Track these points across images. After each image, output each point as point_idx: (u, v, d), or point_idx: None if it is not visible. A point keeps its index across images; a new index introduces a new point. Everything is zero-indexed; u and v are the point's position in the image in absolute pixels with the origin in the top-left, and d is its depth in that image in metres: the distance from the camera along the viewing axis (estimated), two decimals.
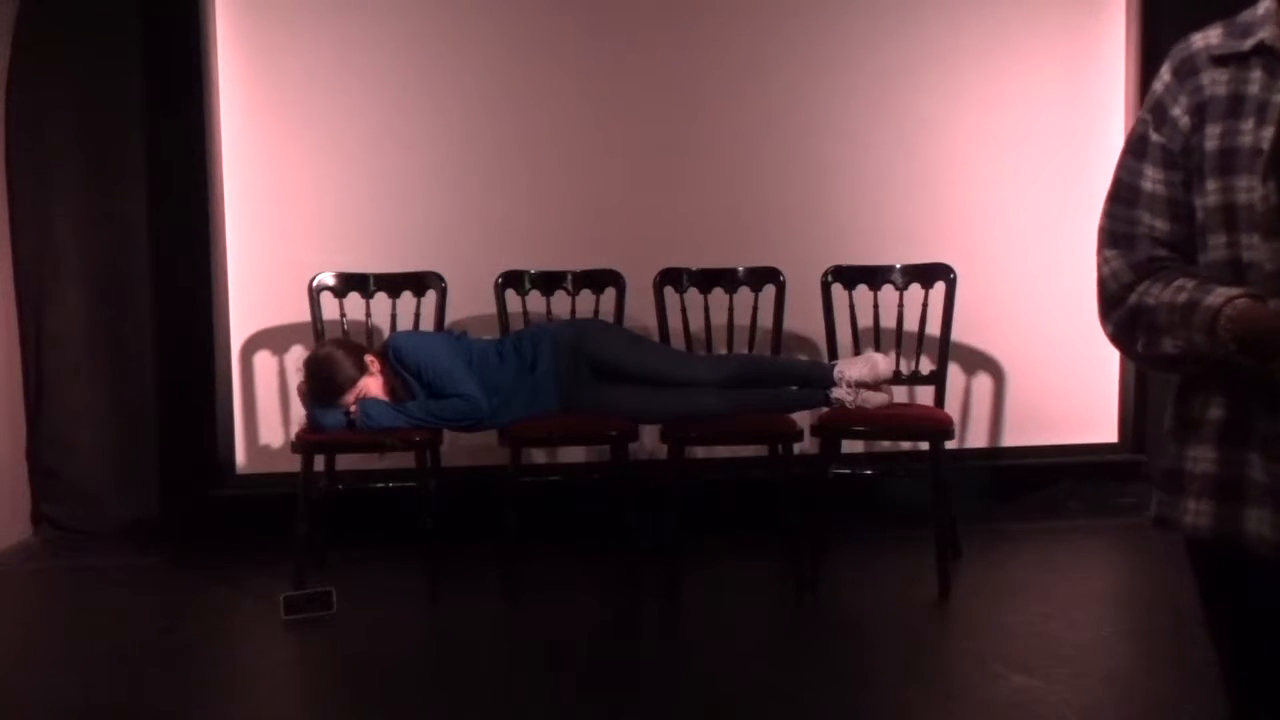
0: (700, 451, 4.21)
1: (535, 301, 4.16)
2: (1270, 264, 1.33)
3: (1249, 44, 1.39)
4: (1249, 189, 1.35)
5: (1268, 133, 1.34)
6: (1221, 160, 1.39)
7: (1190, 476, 1.50)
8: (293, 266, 4.18)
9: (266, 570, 3.81)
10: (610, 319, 4.14)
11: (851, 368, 3.94)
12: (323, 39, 4.31)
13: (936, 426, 3.75)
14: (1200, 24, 5.22)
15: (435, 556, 3.69)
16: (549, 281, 4.17)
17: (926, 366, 4.10)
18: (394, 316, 4.10)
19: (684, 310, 4.15)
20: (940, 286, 4.05)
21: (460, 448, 4.12)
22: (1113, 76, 4.61)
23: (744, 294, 4.14)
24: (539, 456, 4.42)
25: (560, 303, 4.15)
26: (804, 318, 4.24)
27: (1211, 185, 1.40)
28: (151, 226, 4.36)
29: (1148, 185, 1.51)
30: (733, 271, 4.16)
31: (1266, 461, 1.38)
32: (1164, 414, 1.52)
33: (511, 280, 4.15)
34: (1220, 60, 1.41)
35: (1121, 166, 1.56)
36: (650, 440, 4.10)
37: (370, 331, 4.09)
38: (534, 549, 3.79)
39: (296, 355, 4.28)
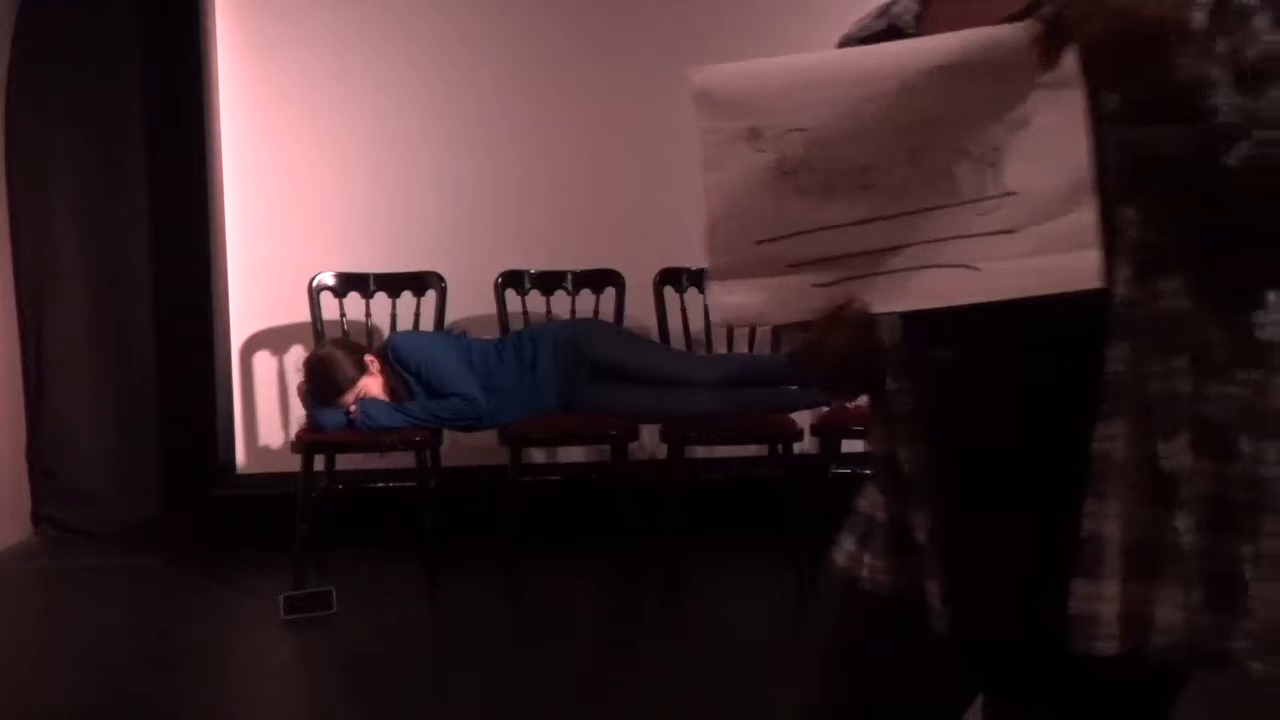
0: (700, 451, 4.21)
1: (535, 301, 4.16)
2: None
3: (883, 24, 1.36)
4: None
5: None
6: None
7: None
8: (293, 266, 4.18)
9: (266, 570, 3.81)
10: (610, 319, 4.14)
11: None
12: (323, 39, 4.31)
13: None
14: None
15: (435, 556, 3.69)
16: (549, 281, 4.17)
17: None
18: (394, 316, 4.10)
19: (684, 310, 4.14)
20: None
21: (460, 448, 4.12)
22: None
23: None
24: (539, 456, 4.42)
25: (560, 303, 4.15)
26: None
27: None
28: (151, 226, 4.36)
29: None
30: None
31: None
32: None
33: (511, 280, 4.15)
34: (864, 43, 1.39)
35: None
36: (650, 440, 4.10)
37: (370, 331, 4.09)
38: (534, 549, 3.79)
39: (296, 355, 4.28)
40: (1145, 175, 1.17)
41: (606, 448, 3.89)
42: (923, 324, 1.27)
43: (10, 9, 4.26)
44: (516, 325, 4.12)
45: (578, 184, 4.41)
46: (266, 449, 4.40)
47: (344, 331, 4.07)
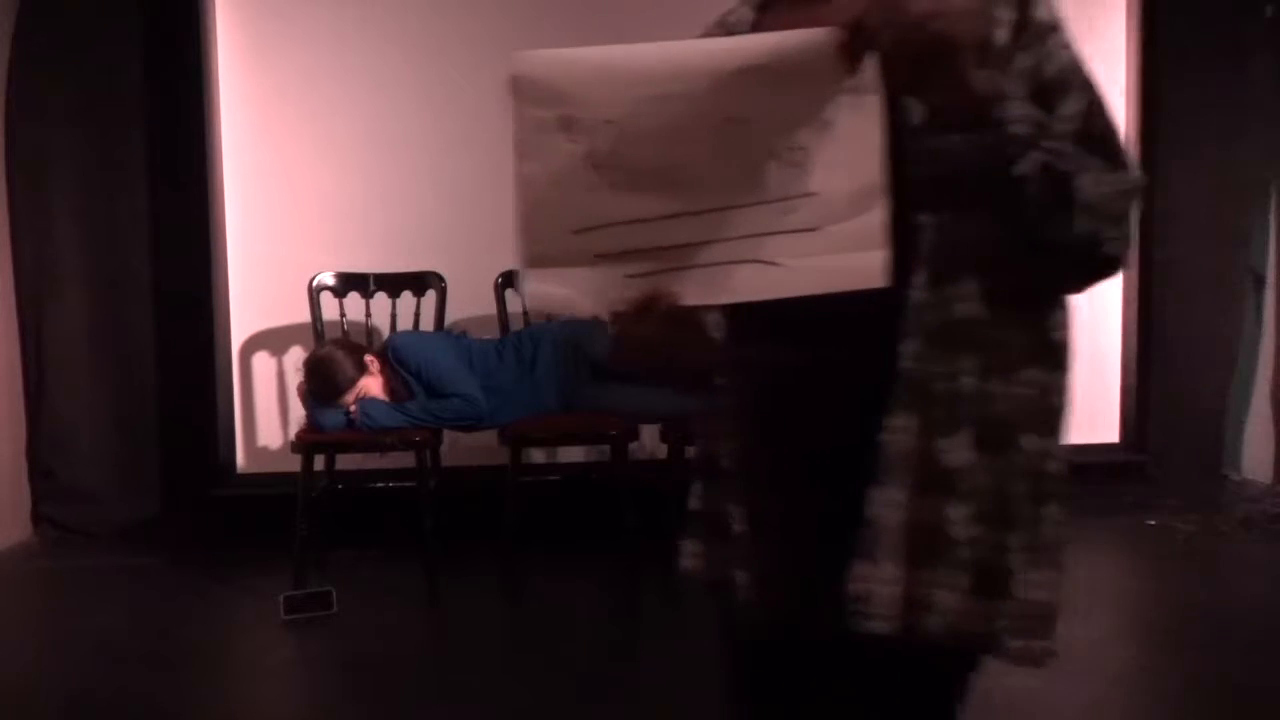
0: None
1: None
2: None
3: (720, 34, 1.42)
4: None
5: None
6: None
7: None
8: (293, 266, 4.18)
9: (266, 570, 3.81)
10: None
11: None
12: (323, 39, 4.31)
13: None
14: (1199, 23, 5.24)
15: (435, 556, 3.69)
16: None
17: None
18: (394, 316, 4.10)
19: None
20: None
21: (460, 448, 4.12)
22: (1113, 76, 4.61)
23: None
24: (539, 456, 4.41)
25: None
26: None
27: None
28: (151, 226, 4.36)
29: None
30: None
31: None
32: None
33: (511, 280, 4.15)
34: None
35: None
36: (650, 440, 4.10)
37: (370, 331, 4.09)
38: (534, 549, 3.79)
39: (296, 355, 4.28)
40: (943, 182, 1.20)
41: (606, 448, 3.88)
42: (743, 321, 1.32)
43: (10, 9, 4.26)
44: (516, 325, 4.11)
45: None
46: (266, 449, 4.40)
47: (344, 331, 4.06)
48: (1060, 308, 1.32)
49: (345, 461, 4.03)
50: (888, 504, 1.25)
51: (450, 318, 4.18)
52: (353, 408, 3.71)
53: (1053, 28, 1.26)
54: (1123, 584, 4.09)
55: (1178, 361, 4.67)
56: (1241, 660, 3.11)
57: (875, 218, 1.16)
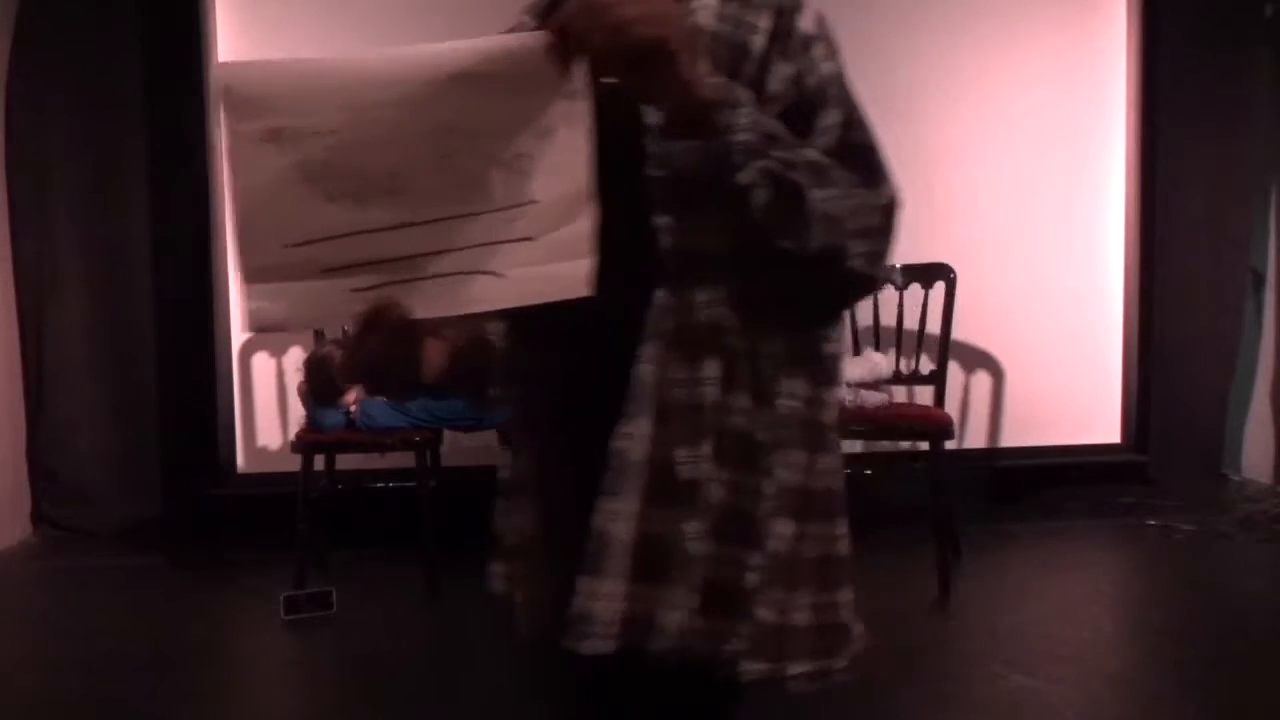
0: None
1: None
2: None
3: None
4: None
5: None
6: None
7: None
8: None
9: (266, 570, 3.81)
10: None
11: (851, 367, 3.94)
12: (323, 39, 4.31)
13: (936, 426, 3.75)
14: (1199, 22, 5.24)
15: (435, 556, 3.69)
16: None
17: (926, 366, 4.10)
18: None
19: None
20: (940, 286, 4.05)
21: (460, 448, 4.12)
22: (1113, 75, 4.61)
23: None
24: None
25: None
26: None
27: None
28: (152, 226, 4.36)
29: None
30: None
31: None
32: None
33: None
34: None
35: None
36: None
37: None
38: None
39: (296, 355, 4.28)
40: (679, 186, 1.19)
41: None
42: (521, 329, 1.30)
43: (10, 8, 4.26)
44: None
45: None
46: (266, 449, 4.40)
47: (344, 332, 4.06)
48: (833, 320, 1.29)
49: (345, 461, 4.03)
50: (616, 516, 1.20)
51: None
52: (353, 408, 3.71)
53: (816, 39, 1.24)
54: (1123, 584, 4.09)
55: (1178, 362, 4.68)
56: (1241, 660, 3.11)
57: (583, 226, 1.14)
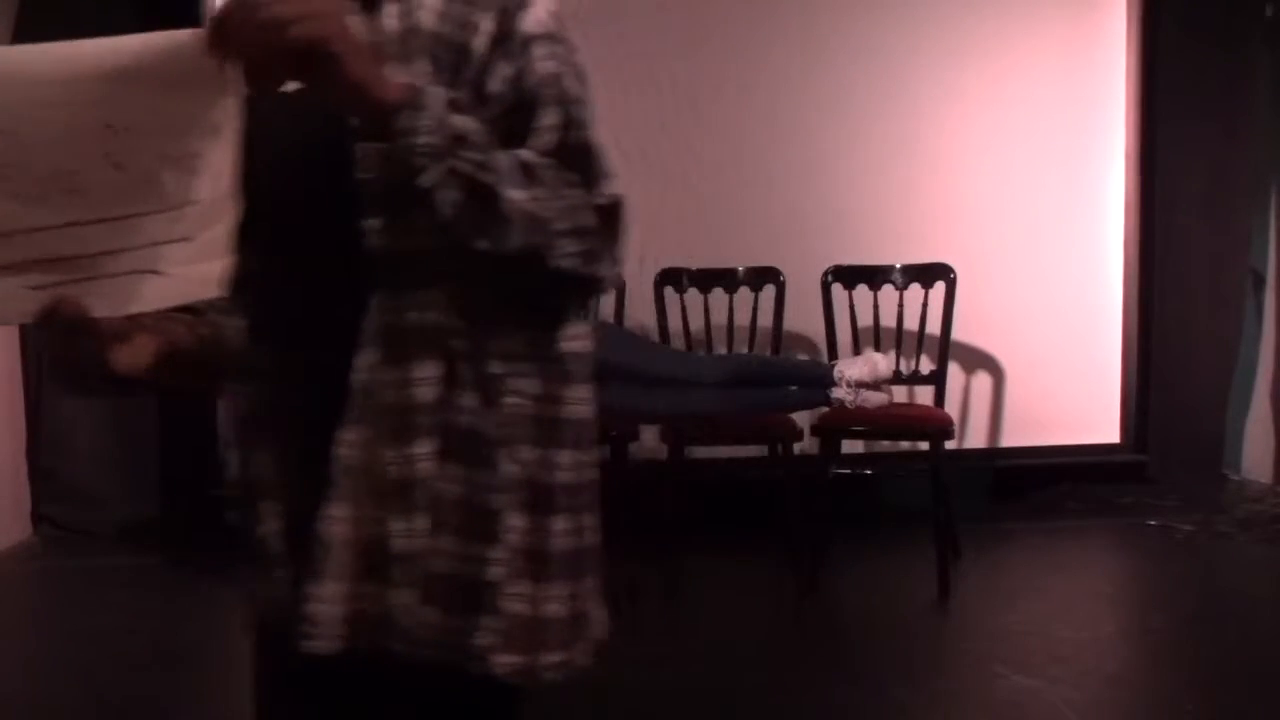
0: (700, 451, 4.21)
1: None
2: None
3: None
4: None
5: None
6: None
7: None
8: None
9: None
10: (611, 319, 4.13)
11: (851, 367, 3.94)
12: None
13: (936, 426, 3.75)
14: (1199, 22, 5.24)
15: None
16: None
17: (926, 366, 4.10)
18: None
19: (684, 310, 4.14)
20: (940, 286, 4.05)
21: None
22: (1113, 76, 4.61)
23: (744, 294, 4.14)
24: None
25: None
26: (804, 318, 4.24)
27: None
28: None
29: None
30: (733, 271, 4.16)
31: None
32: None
33: None
34: None
35: None
36: (650, 440, 4.10)
37: None
38: None
39: None
40: (379, 188, 1.19)
41: (606, 448, 3.88)
42: (255, 324, 1.29)
43: (10, 9, 4.26)
44: None
45: None
46: None
47: None
48: (570, 319, 1.30)
49: None
50: (335, 519, 1.22)
51: None
52: None
53: (538, 39, 1.25)
54: (1122, 584, 4.09)
55: (1178, 361, 4.68)
56: (1241, 660, 3.12)
57: (224, 226, 1.14)
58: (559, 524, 1.31)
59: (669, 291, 4.15)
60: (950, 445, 3.78)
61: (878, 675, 3.09)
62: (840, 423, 3.85)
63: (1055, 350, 4.60)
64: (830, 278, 4.12)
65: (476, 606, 1.24)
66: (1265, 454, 4.80)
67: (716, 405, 3.85)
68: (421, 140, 1.12)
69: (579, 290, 1.29)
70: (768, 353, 4.13)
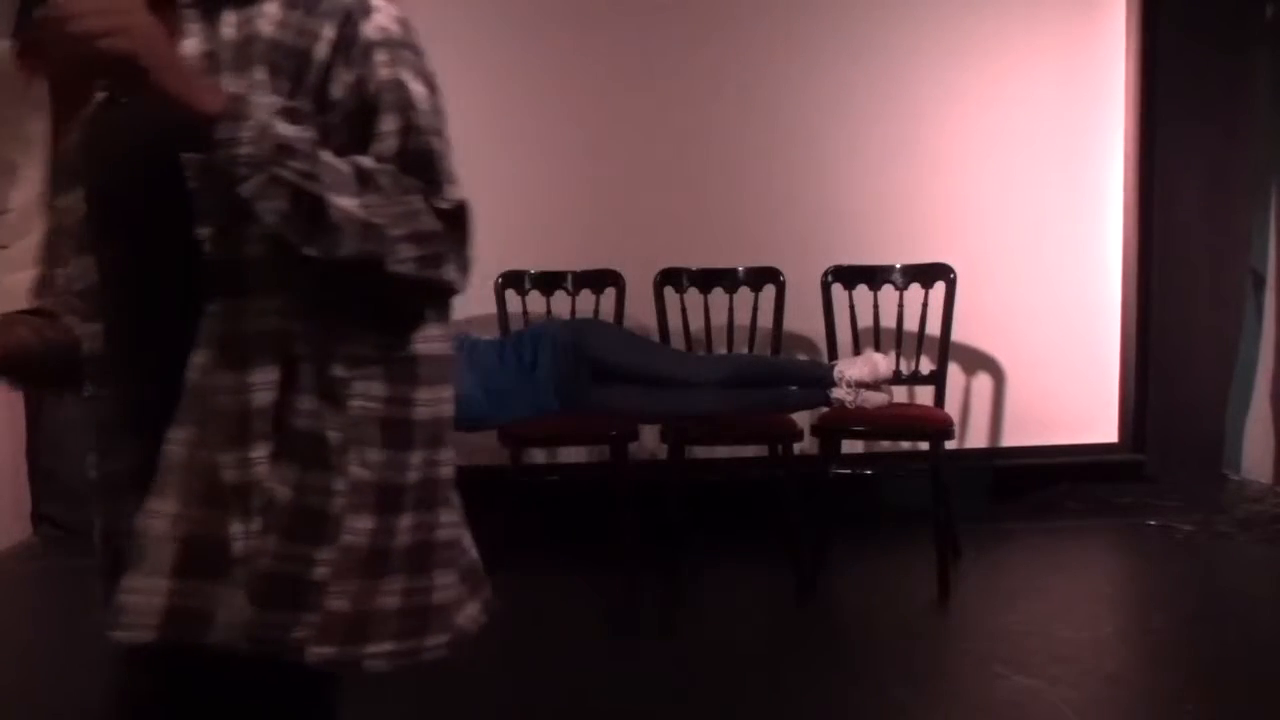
0: (700, 451, 4.21)
1: (535, 301, 4.16)
2: (80, 281, 1.31)
3: None
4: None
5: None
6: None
7: None
8: None
9: None
10: (610, 319, 4.14)
11: (851, 368, 3.94)
12: None
13: (936, 426, 3.75)
14: (1199, 22, 5.24)
15: None
16: (549, 281, 4.17)
17: (926, 366, 4.10)
18: None
19: (684, 310, 4.15)
20: (940, 286, 4.05)
21: (460, 448, 4.10)
22: (1113, 76, 4.62)
23: (744, 294, 4.14)
24: (539, 456, 4.41)
25: (560, 303, 4.15)
26: (804, 318, 4.24)
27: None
28: None
29: None
30: (733, 271, 4.16)
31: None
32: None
33: (511, 280, 4.15)
34: None
35: None
36: (650, 440, 4.10)
37: None
38: (533, 549, 3.79)
39: None
40: (212, 199, 1.20)
41: (606, 448, 3.89)
42: (111, 328, 1.30)
43: (10, 8, 4.25)
44: (516, 325, 4.11)
45: (577, 184, 4.41)
46: None
47: None
48: (423, 322, 1.32)
49: None
50: (157, 515, 1.24)
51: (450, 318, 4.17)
52: None
53: (380, 45, 1.26)
54: (1122, 584, 4.09)
55: (1177, 361, 4.68)
56: (1241, 660, 3.12)
57: (34, 236, 1.15)
58: (405, 521, 1.33)
59: (669, 291, 4.15)
60: (950, 445, 3.78)
61: (878, 675, 3.09)
62: (840, 423, 3.85)
63: (1055, 350, 4.60)
64: (830, 278, 4.12)
65: (299, 603, 1.26)
66: (1265, 454, 4.80)
67: (716, 405, 3.85)
68: (243, 150, 1.13)
69: (430, 294, 1.31)
70: (768, 353, 4.13)
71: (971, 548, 3.99)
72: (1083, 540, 4.33)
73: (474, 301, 4.21)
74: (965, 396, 4.59)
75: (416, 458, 1.34)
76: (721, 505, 4.22)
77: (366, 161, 1.21)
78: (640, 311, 4.23)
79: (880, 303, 4.07)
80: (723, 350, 4.15)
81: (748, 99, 4.45)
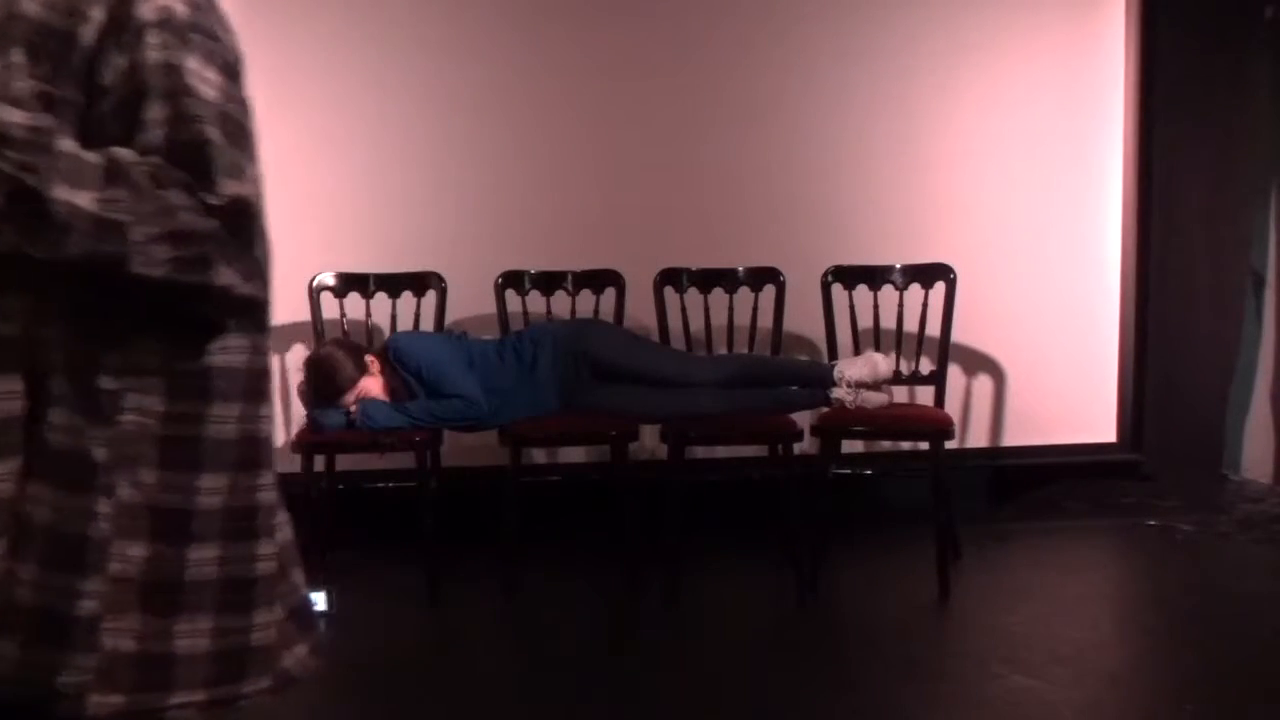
0: (700, 451, 4.21)
1: (535, 301, 4.16)
2: None
3: None
4: None
5: None
6: None
7: None
8: (293, 266, 4.16)
9: None
10: (610, 319, 4.13)
11: (851, 368, 3.94)
12: (323, 39, 4.31)
13: (936, 426, 3.75)
14: (1199, 23, 5.25)
15: (435, 556, 3.69)
16: (549, 281, 4.17)
17: (926, 366, 4.10)
18: (394, 316, 4.10)
19: (684, 310, 4.14)
20: (940, 286, 4.05)
21: (460, 448, 4.12)
22: (1113, 76, 4.62)
23: (744, 294, 4.14)
24: (539, 456, 4.41)
25: (560, 303, 4.15)
26: (804, 318, 4.24)
27: None
28: None
29: None
30: (733, 271, 4.15)
31: None
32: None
33: (511, 280, 4.15)
34: None
35: None
36: (650, 440, 4.10)
37: (370, 331, 4.09)
38: (534, 549, 3.79)
39: (297, 355, 4.28)
40: None
41: (606, 448, 3.88)
42: None
43: None
44: (516, 325, 4.11)
45: (578, 184, 4.41)
46: None
47: (344, 331, 4.06)
48: (216, 332, 1.21)
49: (345, 461, 4.03)
50: None
51: (450, 318, 4.17)
52: (353, 408, 3.71)
53: (153, 26, 1.15)
54: (1122, 584, 4.09)
55: (1177, 361, 4.68)
56: (1240, 660, 3.12)
57: None
58: (199, 552, 1.19)
59: (669, 291, 4.15)
60: (950, 445, 3.78)
61: (878, 675, 3.09)
62: (840, 423, 3.85)
63: (1055, 350, 4.60)
64: (830, 278, 4.12)
65: (66, 642, 1.12)
66: (1265, 454, 4.80)
67: (716, 405, 3.85)
68: None
69: (205, 300, 1.19)
70: (768, 353, 4.13)
71: (971, 548, 3.99)
72: (1082, 540, 4.33)
73: (474, 301, 4.22)
74: (965, 396, 4.59)
75: (212, 481, 1.21)
76: (721, 505, 4.22)
77: (124, 154, 1.11)
78: (640, 311, 4.23)
79: (880, 303, 4.07)
80: (723, 350, 4.15)
81: (748, 99, 4.45)
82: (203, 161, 1.16)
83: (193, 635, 1.18)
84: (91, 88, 1.14)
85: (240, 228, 1.20)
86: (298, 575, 1.33)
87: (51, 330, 1.14)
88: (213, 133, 1.17)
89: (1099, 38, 4.59)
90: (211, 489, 1.21)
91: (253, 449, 1.28)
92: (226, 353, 1.23)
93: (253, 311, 1.26)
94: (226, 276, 1.17)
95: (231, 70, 1.22)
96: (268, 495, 1.29)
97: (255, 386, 1.28)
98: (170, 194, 1.13)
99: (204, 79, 1.17)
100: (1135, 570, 4.13)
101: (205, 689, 1.19)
